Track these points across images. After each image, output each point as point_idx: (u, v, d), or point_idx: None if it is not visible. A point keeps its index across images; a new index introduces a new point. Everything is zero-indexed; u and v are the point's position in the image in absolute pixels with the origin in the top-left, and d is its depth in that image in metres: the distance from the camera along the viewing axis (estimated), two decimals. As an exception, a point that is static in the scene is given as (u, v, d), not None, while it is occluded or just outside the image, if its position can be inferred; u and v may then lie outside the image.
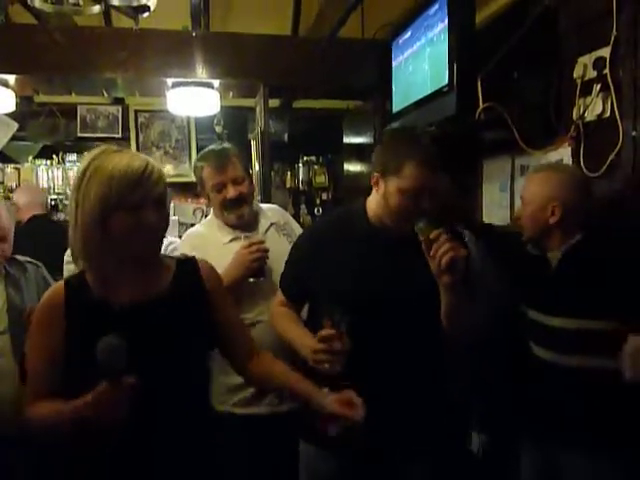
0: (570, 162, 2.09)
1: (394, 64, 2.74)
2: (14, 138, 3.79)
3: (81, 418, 1.08)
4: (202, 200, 4.20)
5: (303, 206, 4.51)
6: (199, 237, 1.95)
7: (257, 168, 3.21)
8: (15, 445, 1.74)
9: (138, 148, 4.05)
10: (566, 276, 1.64)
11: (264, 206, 2.13)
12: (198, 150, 4.07)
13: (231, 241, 1.89)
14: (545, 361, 1.65)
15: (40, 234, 3.07)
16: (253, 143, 3.52)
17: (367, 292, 1.43)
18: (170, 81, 2.80)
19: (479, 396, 1.92)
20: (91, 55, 2.68)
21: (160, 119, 4.07)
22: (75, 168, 4.07)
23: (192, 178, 4.04)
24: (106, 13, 2.59)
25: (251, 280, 1.80)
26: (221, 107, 3.15)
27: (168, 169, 4.09)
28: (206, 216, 4.16)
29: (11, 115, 3.39)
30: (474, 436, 2.04)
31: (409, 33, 2.54)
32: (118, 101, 3.99)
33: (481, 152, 2.15)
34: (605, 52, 1.88)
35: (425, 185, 1.36)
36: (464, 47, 2.08)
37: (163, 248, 2.25)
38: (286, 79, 3.00)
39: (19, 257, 2.15)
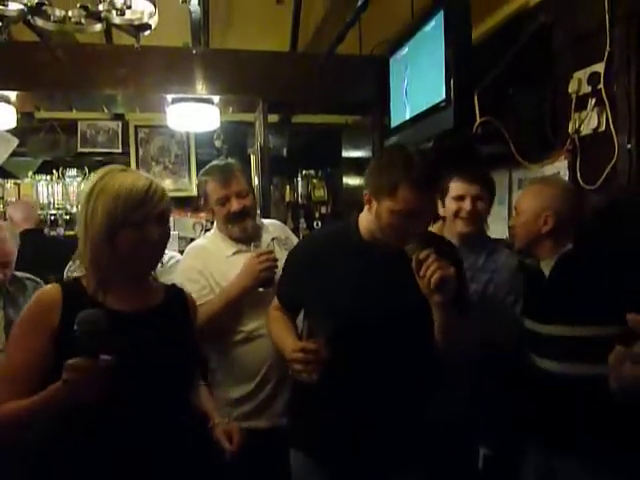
0: (567, 175, 2.12)
1: (392, 79, 2.77)
2: (14, 154, 3.81)
3: (57, 402, 1.09)
4: (201, 214, 4.22)
5: (302, 220, 4.52)
6: (202, 250, 1.96)
7: (256, 182, 3.22)
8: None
9: (138, 163, 4.07)
10: (559, 284, 1.67)
11: (266, 221, 2.15)
12: (197, 165, 4.09)
13: (234, 254, 1.91)
14: (542, 370, 1.66)
15: (32, 248, 3.06)
16: (253, 158, 3.55)
17: (358, 307, 1.44)
18: (170, 97, 2.83)
19: (480, 409, 1.91)
20: (92, 72, 2.71)
21: (160, 134, 4.10)
22: (75, 183, 4.09)
23: (191, 193, 4.13)
24: (107, 30, 2.62)
25: (260, 290, 1.82)
26: (221, 122, 3.17)
27: (168, 184, 4.10)
28: (206, 230, 4.20)
29: (12, 131, 3.42)
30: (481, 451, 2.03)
31: (406, 49, 2.57)
32: (118, 117, 4.02)
33: (480, 165, 2.18)
34: (599, 67, 1.91)
35: (417, 207, 1.37)
36: (461, 62, 2.11)
37: (164, 261, 2.28)
38: (285, 95, 3.03)
39: (18, 273, 2.16)
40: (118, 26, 1.67)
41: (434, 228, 2.04)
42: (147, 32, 1.72)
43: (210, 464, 1.34)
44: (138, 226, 1.20)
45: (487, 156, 2.45)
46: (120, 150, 4.08)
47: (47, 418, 1.14)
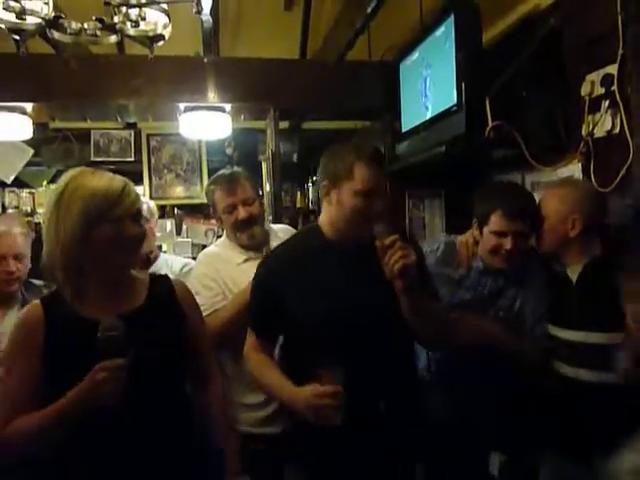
0: (580, 178, 2.10)
1: (402, 85, 2.78)
2: (29, 163, 3.87)
3: (80, 404, 1.13)
4: (213, 221, 4.24)
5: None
6: (214, 257, 1.99)
7: (268, 189, 3.24)
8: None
9: (150, 171, 4.11)
10: (588, 290, 1.64)
11: (275, 227, 2.17)
12: (209, 172, 4.12)
13: (245, 261, 1.93)
14: (567, 377, 1.64)
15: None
16: (264, 164, 3.56)
17: (336, 307, 1.45)
18: (182, 106, 2.86)
19: (497, 414, 1.90)
20: (106, 82, 2.74)
21: (171, 142, 4.13)
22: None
23: (203, 200, 4.13)
24: (119, 41, 2.65)
25: None
26: (232, 129, 3.20)
27: (179, 191, 4.14)
28: (218, 237, 4.21)
29: (26, 141, 3.47)
30: (493, 457, 2.02)
31: (417, 54, 2.58)
32: (130, 125, 4.06)
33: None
34: (612, 69, 1.90)
35: (374, 184, 1.44)
36: (472, 67, 2.12)
37: (178, 269, 2.30)
38: (296, 102, 3.05)
39: (35, 281, 2.18)
40: (132, 37, 1.70)
41: (465, 246, 1.96)
42: (160, 42, 1.75)
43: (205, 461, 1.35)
44: (115, 222, 1.21)
45: (499, 160, 2.45)
46: (133, 159, 4.11)
47: (69, 422, 1.15)
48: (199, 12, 1.54)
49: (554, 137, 2.19)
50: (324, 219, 1.56)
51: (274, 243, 1.98)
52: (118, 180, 1.26)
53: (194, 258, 2.83)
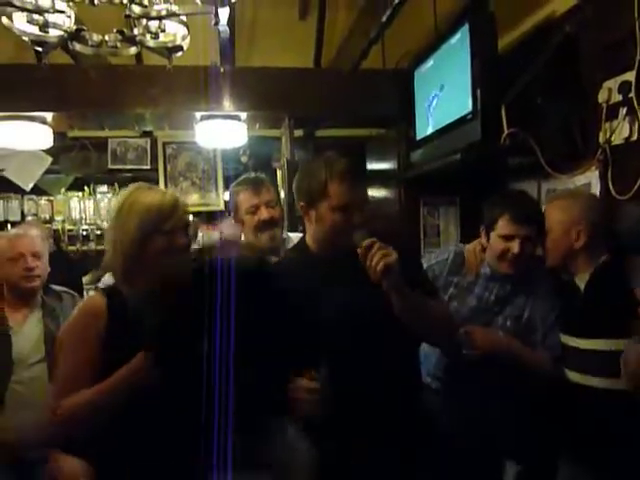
0: (598, 185, 2.09)
1: (416, 92, 2.79)
2: (47, 171, 3.93)
3: (124, 382, 1.19)
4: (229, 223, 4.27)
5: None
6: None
7: (283, 196, 3.26)
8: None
9: (166, 179, 4.15)
10: (595, 297, 1.64)
11: (292, 235, 2.19)
12: (224, 180, 4.16)
13: None
14: (578, 384, 1.63)
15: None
16: (279, 172, 3.59)
17: (334, 317, 1.45)
18: (198, 114, 2.89)
19: (511, 423, 1.89)
20: (124, 92, 2.79)
21: (187, 150, 4.17)
22: (106, 199, 4.19)
23: (219, 207, 4.18)
24: (138, 52, 2.70)
25: None
26: (247, 137, 3.22)
27: (195, 199, 4.17)
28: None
29: (45, 149, 3.53)
30: (509, 467, 2.00)
31: (431, 61, 2.59)
32: (147, 134, 4.11)
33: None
34: (630, 76, 1.89)
35: (350, 198, 1.45)
36: (487, 74, 2.12)
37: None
38: (311, 110, 3.07)
39: (55, 287, 2.22)
40: (152, 48, 1.72)
41: (473, 253, 1.98)
42: (179, 53, 1.77)
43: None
44: (166, 234, 1.36)
45: (515, 167, 2.44)
46: (149, 166, 4.16)
47: (118, 398, 1.20)
48: (217, 23, 1.56)
49: (570, 144, 2.18)
50: (308, 236, 1.60)
51: None
52: (170, 195, 1.42)
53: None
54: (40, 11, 1.51)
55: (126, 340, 1.24)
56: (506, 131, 2.17)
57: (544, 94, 2.22)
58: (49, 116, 2.86)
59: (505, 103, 2.18)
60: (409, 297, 1.41)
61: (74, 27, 1.62)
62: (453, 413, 1.84)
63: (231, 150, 3.97)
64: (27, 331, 2.06)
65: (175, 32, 1.68)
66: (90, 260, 3.95)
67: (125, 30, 1.65)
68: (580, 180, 2.18)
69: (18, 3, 1.46)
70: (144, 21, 1.60)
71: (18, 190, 3.98)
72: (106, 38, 1.67)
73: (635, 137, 1.90)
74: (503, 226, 1.77)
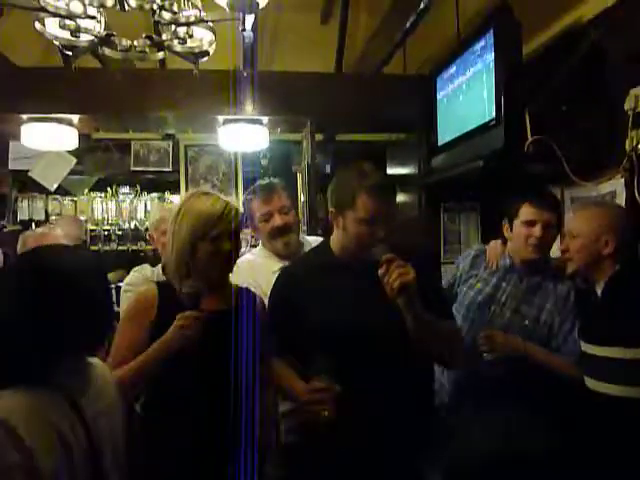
0: (623, 194, 2.07)
1: (439, 98, 2.78)
2: (71, 172, 4.00)
3: (167, 347, 1.39)
4: (247, 230, 4.30)
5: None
6: (251, 264, 2.05)
7: (303, 200, 3.28)
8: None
9: (187, 181, 4.20)
10: (610, 305, 1.65)
11: (309, 238, 2.21)
12: (244, 183, 4.19)
13: (280, 270, 1.95)
14: (595, 392, 1.62)
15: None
16: (299, 176, 3.60)
17: (348, 324, 1.48)
18: (221, 118, 2.92)
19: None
20: (149, 95, 2.83)
21: (208, 153, 4.21)
22: (128, 200, 4.25)
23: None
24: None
25: None
26: (268, 141, 3.24)
27: (215, 201, 4.20)
28: (252, 246, 4.26)
29: (70, 150, 3.60)
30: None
31: (454, 67, 2.58)
32: (169, 136, 4.16)
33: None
34: (658, 84, 1.87)
35: (377, 213, 1.47)
36: (511, 81, 2.11)
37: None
38: (332, 115, 3.09)
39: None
40: (178, 53, 1.75)
41: (494, 247, 2.03)
42: (205, 58, 1.80)
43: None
44: (214, 240, 1.46)
45: (538, 175, 2.42)
46: (170, 169, 4.21)
47: (159, 364, 1.40)
48: (244, 30, 1.58)
49: (595, 152, 2.16)
50: (334, 239, 1.63)
51: None
52: (221, 202, 1.51)
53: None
54: (72, 16, 1.54)
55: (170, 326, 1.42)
56: (530, 138, 2.15)
57: (569, 101, 2.20)
58: (75, 118, 2.91)
59: (529, 110, 2.16)
60: (421, 317, 1.43)
61: (104, 32, 1.66)
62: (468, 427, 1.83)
63: (251, 153, 4.00)
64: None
65: (202, 37, 1.70)
66: (111, 259, 4.02)
67: (153, 35, 1.68)
68: (605, 188, 2.15)
69: (51, 9, 1.50)
70: (172, 27, 1.63)
71: (43, 190, 4.06)
72: (134, 43, 1.70)
73: (662, 145, 1.87)
74: (526, 212, 1.87)
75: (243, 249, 4.09)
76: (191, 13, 1.58)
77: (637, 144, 1.96)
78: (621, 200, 2.09)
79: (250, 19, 1.72)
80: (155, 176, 4.22)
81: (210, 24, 1.64)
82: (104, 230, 4.18)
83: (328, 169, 4.31)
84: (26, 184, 4.06)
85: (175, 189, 4.22)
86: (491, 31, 2.18)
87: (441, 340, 1.51)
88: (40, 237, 2.17)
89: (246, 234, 4.31)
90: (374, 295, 1.45)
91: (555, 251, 1.96)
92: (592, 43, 2.16)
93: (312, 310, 1.53)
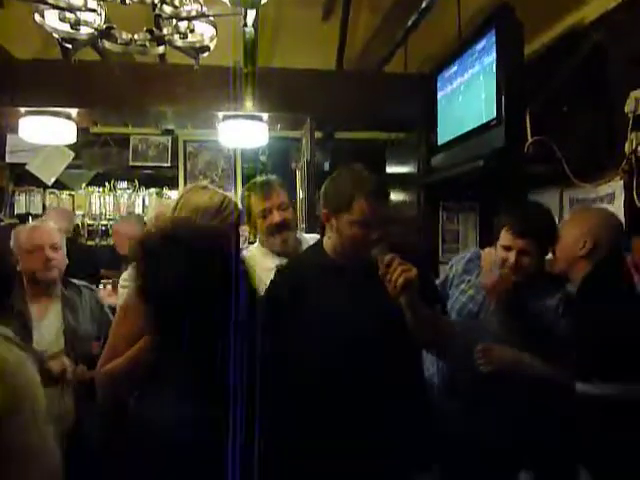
0: (622, 195, 2.07)
1: (439, 97, 2.78)
2: (69, 166, 3.99)
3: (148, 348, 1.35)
4: (243, 227, 4.30)
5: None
6: (247, 260, 2.02)
7: (301, 197, 3.27)
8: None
9: (186, 177, 4.19)
10: (581, 304, 1.73)
11: (307, 236, 2.20)
12: (243, 179, 4.18)
13: (276, 267, 1.96)
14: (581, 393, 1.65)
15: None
16: (298, 173, 3.60)
17: (342, 325, 1.47)
18: (221, 114, 2.91)
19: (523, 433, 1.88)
20: (148, 90, 2.82)
21: (207, 149, 4.21)
22: (125, 195, 4.24)
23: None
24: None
25: None
26: (267, 138, 3.23)
27: (213, 197, 4.19)
28: (250, 243, 4.25)
29: (67, 145, 3.58)
30: (522, 475, 1.98)
31: (455, 67, 2.58)
32: (168, 132, 4.15)
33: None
34: (658, 87, 1.87)
35: (372, 216, 1.46)
36: (512, 81, 2.11)
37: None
38: (332, 113, 3.08)
39: (75, 280, 2.25)
40: (179, 48, 1.74)
41: (489, 254, 2.01)
42: (206, 54, 1.79)
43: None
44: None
45: (537, 175, 2.42)
46: (169, 164, 4.20)
47: (141, 364, 1.38)
48: (246, 25, 1.57)
49: (595, 154, 2.16)
50: (327, 241, 1.62)
51: None
52: (218, 196, 1.51)
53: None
54: (72, 9, 1.53)
55: None
56: (530, 139, 2.15)
57: (570, 102, 2.20)
58: (74, 112, 2.89)
59: (530, 110, 2.16)
60: (424, 314, 1.44)
61: (104, 25, 1.64)
62: (462, 422, 1.84)
63: (250, 150, 3.99)
64: (47, 324, 2.08)
65: (203, 32, 1.69)
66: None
67: (154, 29, 1.67)
68: (604, 190, 2.16)
69: (52, 1, 1.48)
70: (173, 21, 1.61)
71: (40, 184, 4.04)
72: (135, 37, 1.69)
73: (662, 148, 1.87)
74: (503, 237, 1.82)
75: (240, 245, 4.12)
76: (192, 8, 1.56)
77: (637, 146, 1.96)
78: (620, 202, 2.10)
79: (252, 14, 1.72)
80: (153, 171, 4.22)
81: (211, 19, 1.63)
82: (101, 225, 4.17)
83: (327, 167, 4.31)
84: (23, 177, 4.04)
85: (173, 184, 4.21)
86: (493, 31, 2.18)
87: (439, 334, 1.53)
88: (33, 230, 2.15)
89: (244, 230, 4.33)
90: (368, 296, 1.46)
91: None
92: (593, 45, 2.16)
93: (306, 312, 1.52)
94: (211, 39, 1.70)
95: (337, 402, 1.44)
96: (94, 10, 1.58)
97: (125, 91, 2.81)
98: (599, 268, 1.73)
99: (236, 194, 4.26)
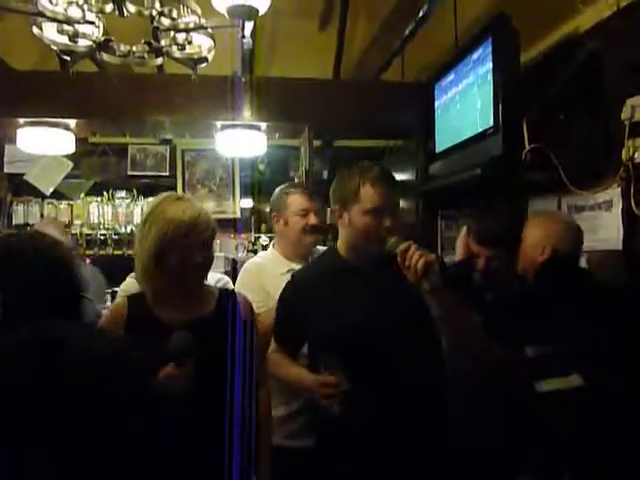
0: (620, 203, 2.07)
1: (437, 105, 2.79)
2: (67, 176, 3.98)
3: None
4: (243, 235, 4.32)
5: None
6: (259, 266, 2.14)
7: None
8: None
9: (184, 186, 4.20)
10: (533, 303, 1.78)
11: (321, 247, 2.26)
12: (241, 187, 4.19)
13: (288, 272, 2.01)
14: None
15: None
16: (297, 181, 3.60)
17: (360, 325, 1.48)
18: (219, 124, 2.92)
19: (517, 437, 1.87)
20: (146, 100, 2.83)
21: (205, 158, 4.22)
22: (124, 205, 4.23)
23: (235, 215, 4.21)
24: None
25: None
26: (265, 147, 3.24)
27: (212, 206, 4.21)
28: (248, 251, 4.26)
29: (66, 154, 3.58)
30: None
31: (453, 75, 2.59)
32: (166, 141, 4.16)
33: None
34: (654, 94, 1.88)
35: (382, 203, 1.49)
36: (510, 89, 2.11)
37: (212, 284, 2.35)
38: (331, 121, 3.09)
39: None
40: (177, 59, 1.74)
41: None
42: (204, 64, 1.79)
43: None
44: (183, 249, 1.38)
45: (535, 183, 2.43)
46: (167, 173, 4.21)
47: None
48: (244, 36, 1.57)
49: (592, 161, 2.17)
50: (340, 241, 1.65)
51: None
52: (192, 210, 1.40)
53: (226, 273, 2.86)
54: (70, 22, 1.53)
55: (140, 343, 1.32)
56: (527, 147, 2.16)
57: (567, 110, 2.21)
58: (72, 122, 2.90)
59: (527, 118, 2.17)
60: (447, 298, 1.41)
61: (102, 38, 1.65)
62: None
63: (249, 158, 4.00)
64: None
65: (201, 44, 1.69)
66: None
67: (152, 41, 1.67)
68: (602, 197, 2.16)
69: (49, 14, 1.49)
70: (171, 33, 1.62)
71: (38, 194, 4.04)
72: (133, 49, 1.69)
73: (659, 155, 1.88)
74: (471, 244, 1.97)
75: (240, 254, 4.13)
76: (190, 19, 1.57)
77: (633, 153, 1.97)
78: (617, 209, 2.10)
79: (249, 26, 1.73)
80: (152, 180, 4.22)
81: (209, 31, 1.64)
82: (100, 235, 4.17)
83: (326, 175, 4.32)
84: (22, 188, 4.04)
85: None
86: (490, 39, 2.19)
87: (465, 324, 1.49)
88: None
89: (242, 239, 4.33)
90: (383, 296, 1.47)
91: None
92: (589, 53, 2.17)
93: (321, 313, 1.54)
94: (209, 50, 1.70)
95: (355, 405, 1.43)
96: (92, 22, 1.59)
97: (123, 101, 2.81)
98: (556, 261, 1.79)
99: (234, 203, 4.28)
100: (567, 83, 2.20)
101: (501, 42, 2.15)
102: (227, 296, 1.55)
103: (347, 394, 1.40)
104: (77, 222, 4.16)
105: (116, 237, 4.17)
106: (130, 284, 2.24)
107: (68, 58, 1.70)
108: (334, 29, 3.21)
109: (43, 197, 4.12)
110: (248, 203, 4.47)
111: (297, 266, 2.02)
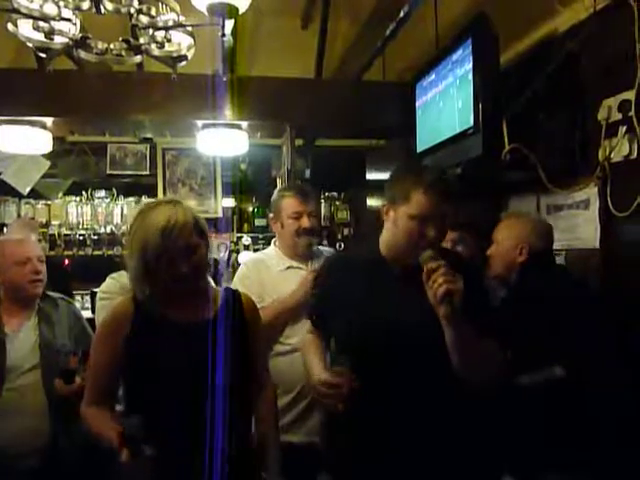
0: (597, 202, 2.11)
1: (418, 105, 2.80)
2: (45, 175, 3.90)
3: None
4: (225, 235, 4.29)
5: (325, 241, 4.55)
6: (259, 262, 2.18)
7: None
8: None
9: (165, 185, 4.15)
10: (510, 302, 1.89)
11: (323, 249, 2.36)
12: (223, 187, 4.16)
13: (287, 269, 2.12)
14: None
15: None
16: (279, 180, 3.59)
17: (381, 323, 1.46)
18: (200, 123, 2.89)
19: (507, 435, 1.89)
20: (125, 99, 2.79)
21: (186, 156, 4.17)
22: (103, 204, 4.17)
23: (217, 214, 4.18)
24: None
25: None
26: (247, 146, 3.22)
27: (193, 205, 4.13)
28: (231, 251, 4.23)
29: (43, 153, 3.51)
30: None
31: (433, 75, 2.60)
32: (146, 139, 4.10)
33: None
34: (630, 95, 1.91)
35: (430, 212, 1.42)
36: (489, 89, 2.13)
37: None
38: (313, 121, 3.08)
39: (51, 293, 2.20)
40: (157, 57, 1.72)
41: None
42: (183, 63, 1.77)
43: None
44: (169, 259, 1.38)
45: (515, 182, 2.46)
46: (148, 172, 4.16)
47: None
48: (224, 35, 1.56)
49: (570, 161, 2.21)
50: (382, 236, 1.59)
51: (317, 260, 2.14)
52: (175, 217, 1.39)
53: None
54: (46, 19, 1.50)
55: (147, 345, 1.40)
56: (507, 147, 2.18)
57: (545, 110, 2.24)
58: (49, 121, 2.85)
59: (507, 118, 2.19)
60: (461, 330, 1.34)
61: (79, 35, 1.62)
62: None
63: (231, 157, 3.97)
64: (22, 337, 2.03)
65: (180, 42, 1.68)
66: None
67: (131, 39, 1.65)
68: (579, 196, 2.20)
69: (25, 10, 1.46)
70: (150, 31, 1.60)
71: (16, 194, 3.96)
72: (111, 46, 1.67)
73: (634, 155, 1.92)
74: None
75: (222, 254, 4.10)
76: (169, 17, 1.55)
77: (610, 153, 2.00)
78: (594, 208, 2.14)
79: (230, 24, 1.71)
80: (132, 180, 4.16)
81: (189, 28, 1.62)
82: (79, 235, 4.10)
83: (308, 174, 4.32)
84: (-2, 187, 3.96)
85: (152, 193, 4.16)
86: (469, 40, 2.20)
87: (476, 357, 1.40)
88: (20, 243, 2.12)
89: (224, 239, 4.30)
90: (410, 300, 1.40)
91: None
92: (567, 54, 2.21)
93: (348, 303, 1.52)
94: (188, 48, 1.69)
95: (379, 405, 1.43)
96: (69, 20, 1.56)
97: (102, 100, 2.77)
98: (535, 259, 1.87)
99: (216, 202, 4.25)
100: (545, 83, 2.23)
101: (481, 43, 2.16)
102: (230, 293, 1.57)
103: (352, 392, 1.37)
104: (55, 222, 4.08)
105: (95, 237, 4.10)
106: (110, 285, 2.21)
107: (44, 55, 1.67)
108: (316, 28, 3.21)
109: (20, 197, 4.03)
110: (230, 202, 4.44)
111: (297, 264, 2.12)
